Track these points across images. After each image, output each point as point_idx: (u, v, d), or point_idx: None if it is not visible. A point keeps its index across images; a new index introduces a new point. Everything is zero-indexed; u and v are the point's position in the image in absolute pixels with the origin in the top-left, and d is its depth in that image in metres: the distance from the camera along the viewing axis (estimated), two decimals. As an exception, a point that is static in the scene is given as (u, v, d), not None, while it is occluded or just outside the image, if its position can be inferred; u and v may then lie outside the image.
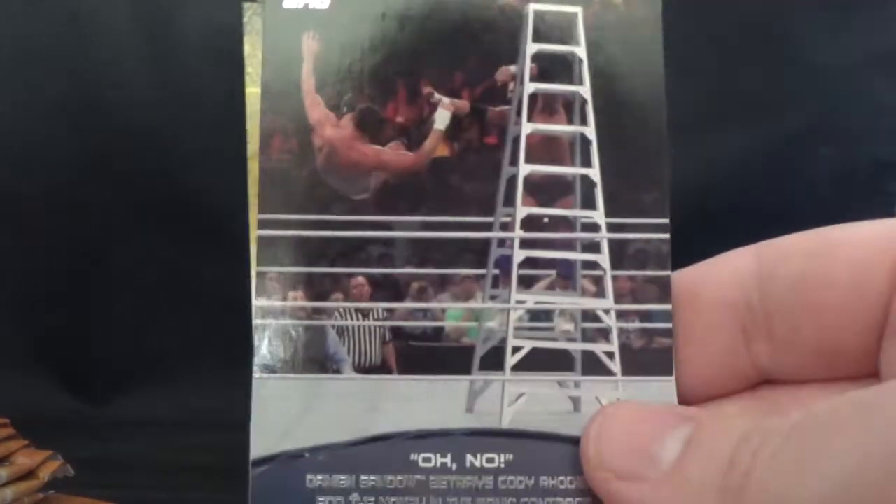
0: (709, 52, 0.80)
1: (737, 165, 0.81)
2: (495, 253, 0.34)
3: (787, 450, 0.27)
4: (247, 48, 0.34)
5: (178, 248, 0.81)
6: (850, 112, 0.80)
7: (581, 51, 0.34)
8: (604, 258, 0.34)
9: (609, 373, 0.34)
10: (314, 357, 0.33)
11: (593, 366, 0.34)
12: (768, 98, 0.81)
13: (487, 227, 0.34)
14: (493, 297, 0.34)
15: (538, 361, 0.34)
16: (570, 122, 0.34)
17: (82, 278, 0.83)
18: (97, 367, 0.85)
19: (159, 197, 0.81)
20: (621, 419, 0.32)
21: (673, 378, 0.33)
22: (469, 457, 0.33)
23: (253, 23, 0.34)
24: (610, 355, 0.34)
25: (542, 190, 0.34)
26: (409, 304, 0.34)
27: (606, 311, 0.34)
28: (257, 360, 0.33)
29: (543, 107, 0.34)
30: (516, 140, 0.34)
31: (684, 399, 0.34)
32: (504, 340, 0.34)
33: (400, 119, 0.34)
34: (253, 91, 0.34)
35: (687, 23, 0.75)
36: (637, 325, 0.34)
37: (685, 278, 0.35)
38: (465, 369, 0.33)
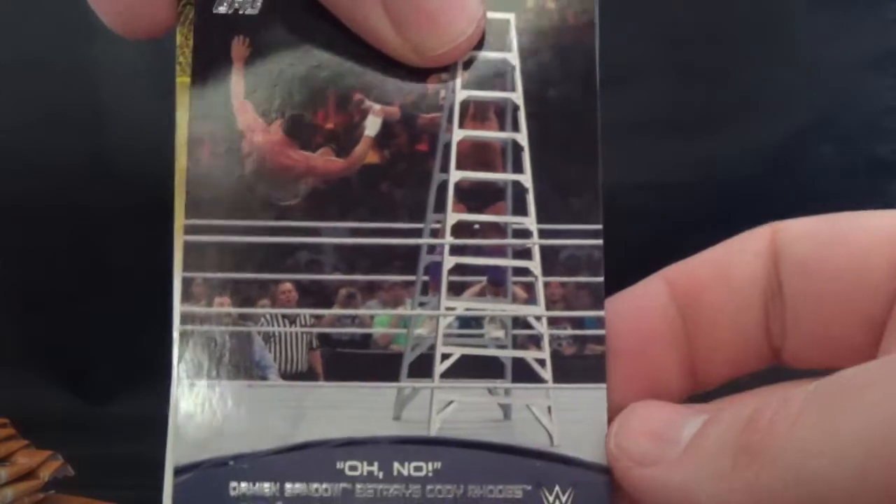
0: (708, 51, 0.79)
1: (736, 165, 0.80)
2: (425, 259, 0.34)
3: (811, 407, 0.26)
4: (179, 38, 0.34)
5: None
6: (850, 112, 0.79)
7: (513, 57, 0.34)
8: (535, 264, 0.34)
9: (540, 380, 0.33)
10: (239, 363, 0.33)
11: (524, 373, 0.33)
12: (768, 97, 0.80)
13: (417, 233, 0.34)
14: (422, 304, 0.34)
15: (468, 369, 0.33)
16: (501, 128, 0.34)
17: (82, 278, 0.83)
18: (97, 367, 0.85)
19: (160, 199, 0.81)
20: (640, 413, 0.32)
21: (604, 386, 0.33)
22: (396, 465, 0.32)
23: (186, 12, 0.34)
24: (541, 362, 0.33)
25: (473, 196, 0.34)
26: (336, 311, 0.33)
27: (538, 318, 0.34)
28: (181, 366, 0.33)
29: (475, 113, 0.34)
30: (447, 147, 0.34)
31: (703, 381, 0.35)
32: (433, 347, 0.34)
33: (330, 125, 0.34)
34: (183, 80, 0.34)
35: (685, 21, 0.74)
36: (569, 331, 0.34)
37: (710, 258, 0.35)
38: (394, 376, 0.33)
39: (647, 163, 0.70)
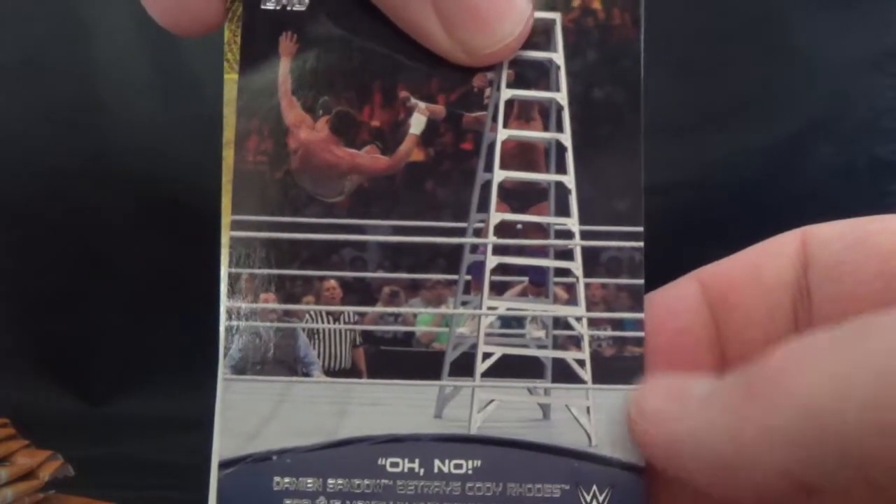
0: (708, 51, 0.79)
1: (736, 165, 0.81)
2: (468, 259, 0.34)
3: (819, 345, 0.27)
4: (227, 34, 0.34)
5: (178, 250, 0.81)
6: (850, 112, 0.80)
7: (558, 57, 0.34)
8: (577, 266, 0.34)
9: (579, 381, 0.34)
10: (284, 359, 0.33)
11: (564, 373, 0.34)
12: (768, 97, 0.80)
13: (461, 232, 0.34)
14: (464, 303, 0.34)
15: (508, 368, 0.34)
16: (545, 128, 0.34)
17: (82, 279, 0.83)
18: (97, 368, 0.85)
19: (160, 199, 0.81)
20: (661, 380, 0.32)
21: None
22: (437, 462, 0.33)
23: (234, 9, 0.34)
24: (581, 363, 0.34)
25: (516, 196, 0.34)
26: (380, 309, 0.34)
27: (578, 319, 0.34)
28: (227, 362, 0.33)
29: (519, 113, 0.34)
30: (491, 146, 0.34)
31: None
32: (475, 346, 0.34)
33: (375, 123, 0.34)
34: (231, 77, 0.34)
35: (685, 21, 0.75)
36: (609, 333, 0.34)
37: (743, 261, 0.35)
38: (435, 375, 0.33)
39: (647, 163, 0.70)
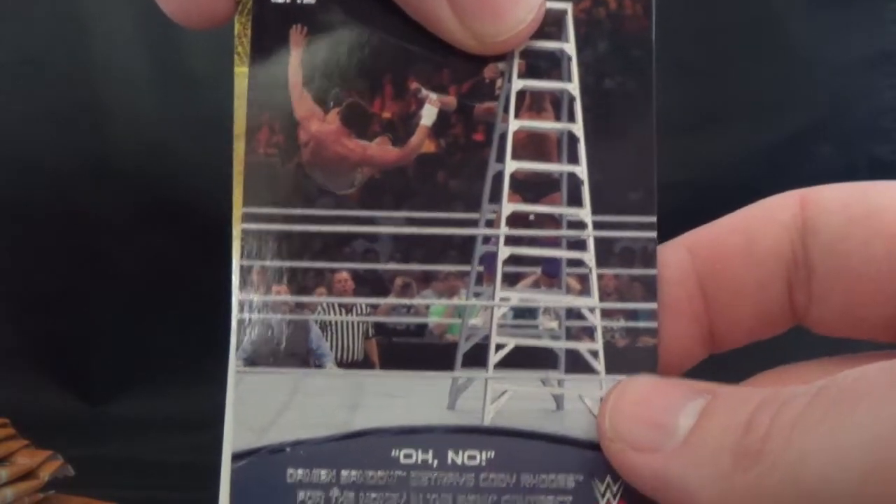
0: (708, 51, 0.79)
1: (736, 165, 0.81)
2: (480, 250, 0.34)
3: (810, 414, 0.27)
4: (237, 27, 0.34)
5: (178, 250, 0.81)
6: (850, 112, 0.80)
7: (570, 47, 0.34)
8: (589, 256, 0.34)
9: (593, 371, 0.33)
10: (296, 351, 0.33)
11: (577, 364, 0.34)
12: (768, 97, 0.80)
13: (473, 223, 0.34)
14: (477, 294, 0.34)
15: (521, 359, 0.34)
16: (557, 118, 0.34)
17: (82, 279, 0.83)
18: (97, 368, 0.85)
19: (160, 199, 0.81)
20: (636, 392, 0.32)
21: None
22: (451, 454, 0.33)
23: (245, 2, 0.34)
24: (594, 354, 0.33)
25: (529, 187, 0.34)
26: (392, 300, 0.34)
27: (591, 310, 0.34)
28: (239, 354, 0.33)
29: (531, 104, 0.34)
30: (503, 137, 0.34)
31: (721, 345, 0.35)
32: (487, 338, 0.34)
33: (386, 114, 0.34)
34: (241, 70, 0.34)
35: (685, 21, 0.75)
36: (622, 323, 0.34)
37: (734, 226, 0.35)
38: (448, 366, 0.33)
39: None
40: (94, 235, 0.81)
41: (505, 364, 0.34)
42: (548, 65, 0.34)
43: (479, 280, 0.34)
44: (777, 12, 0.79)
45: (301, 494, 0.32)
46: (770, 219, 0.35)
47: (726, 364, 0.37)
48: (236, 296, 0.33)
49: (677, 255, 0.35)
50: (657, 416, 0.30)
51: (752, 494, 0.27)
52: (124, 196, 0.81)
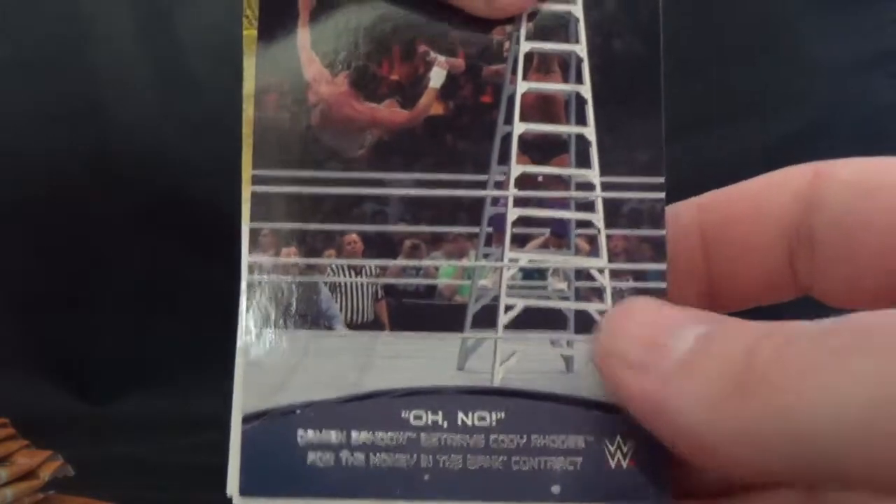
0: (708, 51, 0.79)
1: (736, 165, 0.80)
2: (489, 211, 0.34)
3: (814, 356, 0.26)
4: None
5: (178, 250, 0.81)
6: (849, 112, 0.80)
7: (577, 9, 0.34)
8: (598, 217, 0.34)
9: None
10: (306, 313, 0.33)
11: (586, 325, 0.33)
12: (768, 97, 0.80)
13: (481, 185, 0.34)
14: (486, 256, 0.34)
15: (531, 320, 0.34)
16: (565, 80, 0.34)
17: (82, 279, 0.83)
18: (97, 368, 0.84)
19: (160, 199, 0.81)
20: (638, 311, 0.32)
21: None
22: (460, 415, 0.33)
23: None
24: (603, 314, 0.33)
25: (537, 149, 0.34)
26: (401, 262, 0.34)
27: (600, 271, 0.34)
28: (249, 316, 0.33)
29: (539, 66, 0.34)
30: (511, 99, 0.34)
31: (723, 307, 0.35)
32: (497, 299, 0.34)
33: (395, 77, 0.34)
34: (250, 33, 0.34)
35: (685, 21, 0.75)
36: (631, 284, 0.34)
37: (747, 191, 0.35)
38: (458, 327, 0.33)
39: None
40: (94, 235, 0.81)
41: (514, 325, 0.34)
42: (556, 26, 0.34)
43: (489, 241, 0.34)
44: (777, 12, 0.79)
45: (311, 455, 0.32)
46: (782, 187, 0.35)
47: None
48: (246, 258, 0.33)
49: (688, 213, 0.35)
50: (656, 336, 0.30)
51: (742, 425, 0.27)
52: (124, 196, 0.81)
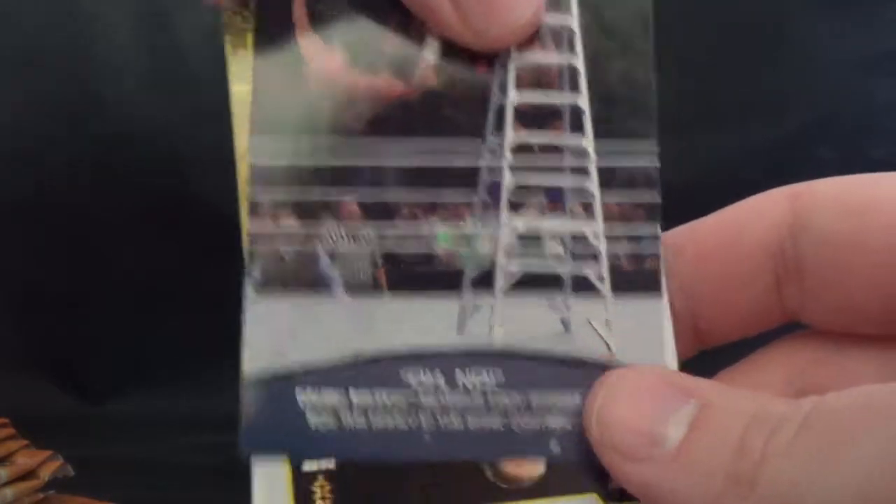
0: (708, 50, 0.80)
1: (736, 165, 0.81)
2: (485, 179, 0.34)
3: (801, 443, 0.27)
4: None
5: (178, 249, 0.81)
6: (849, 112, 0.80)
7: None
8: (593, 183, 0.34)
9: (599, 294, 0.34)
10: (306, 279, 0.33)
11: (583, 288, 0.34)
12: (768, 97, 0.81)
13: (477, 153, 0.34)
14: (483, 222, 0.34)
15: (529, 284, 0.34)
16: (558, 51, 0.35)
17: (82, 279, 0.83)
18: (97, 368, 0.85)
19: (160, 198, 0.81)
20: (623, 395, 0.32)
21: (661, 295, 0.34)
22: (459, 375, 0.33)
23: None
24: (599, 277, 0.34)
25: (532, 117, 0.34)
26: (400, 229, 0.34)
27: (596, 235, 0.34)
28: (250, 283, 0.33)
29: (532, 36, 0.35)
30: (505, 68, 0.34)
31: (708, 342, 0.36)
32: (494, 264, 0.34)
33: (391, 49, 0.34)
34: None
35: (685, 21, 0.75)
36: (626, 248, 0.34)
37: (721, 225, 0.36)
38: (456, 292, 0.34)
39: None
40: (94, 235, 0.81)
41: (512, 289, 0.34)
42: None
43: (486, 208, 0.34)
44: (777, 12, 0.79)
45: (311, 417, 0.32)
46: (761, 214, 0.35)
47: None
48: (245, 227, 0.33)
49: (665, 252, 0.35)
50: (646, 425, 0.30)
51: None
52: (124, 196, 0.81)
